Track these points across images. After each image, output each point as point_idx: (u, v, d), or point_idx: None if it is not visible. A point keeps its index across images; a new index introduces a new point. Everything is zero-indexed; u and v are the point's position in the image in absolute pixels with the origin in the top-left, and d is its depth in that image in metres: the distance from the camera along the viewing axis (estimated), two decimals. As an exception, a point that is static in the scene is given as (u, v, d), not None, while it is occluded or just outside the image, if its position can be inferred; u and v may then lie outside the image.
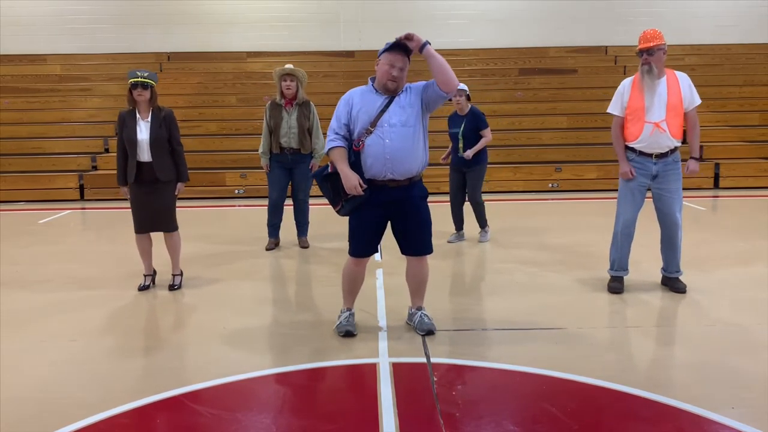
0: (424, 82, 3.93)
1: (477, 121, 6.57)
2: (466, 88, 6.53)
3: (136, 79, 4.90)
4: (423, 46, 3.76)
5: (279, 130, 6.35)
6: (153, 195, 5.05)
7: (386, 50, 3.85)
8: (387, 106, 3.86)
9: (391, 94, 3.89)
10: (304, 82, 6.43)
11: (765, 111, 12.61)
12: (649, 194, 4.94)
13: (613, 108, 4.91)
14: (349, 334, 4.10)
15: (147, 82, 4.92)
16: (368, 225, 3.98)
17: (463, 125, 6.52)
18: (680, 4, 14.97)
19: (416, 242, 4.05)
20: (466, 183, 6.73)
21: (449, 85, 3.79)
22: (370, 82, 3.98)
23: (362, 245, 4.03)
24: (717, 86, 13.23)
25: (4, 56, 14.44)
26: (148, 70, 5.15)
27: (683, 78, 4.82)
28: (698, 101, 4.83)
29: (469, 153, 6.50)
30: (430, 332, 4.10)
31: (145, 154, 4.98)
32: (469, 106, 6.63)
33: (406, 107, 3.87)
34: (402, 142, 3.83)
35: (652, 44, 4.67)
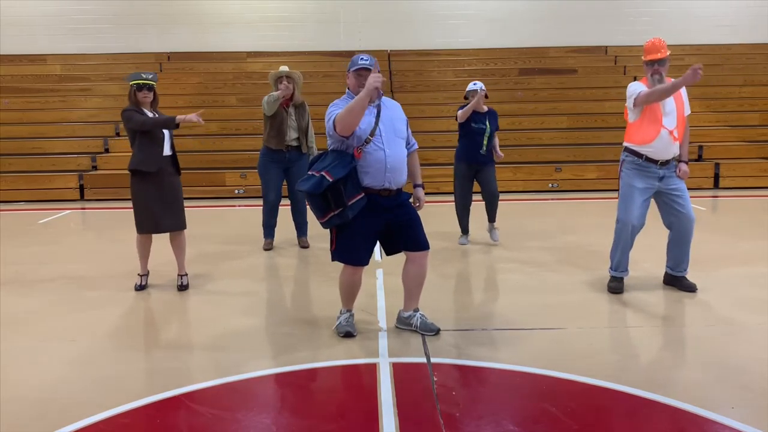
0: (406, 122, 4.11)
1: (497, 120, 6.65)
2: (479, 86, 6.51)
3: (142, 81, 4.94)
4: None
5: (284, 127, 6.39)
6: (169, 191, 5.07)
7: (354, 69, 3.89)
8: (378, 115, 3.91)
9: (373, 102, 3.92)
10: (300, 83, 6.47)
11: (765, 111, 12.61)
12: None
13: (642, 89, 4.69)
14: (348, 334, 4.10)
15: (152, 84, 4.99)
16: (367, 233, 3.97)
17: (488, 122, 6.49)
18: (680, 4, 14.97)
19: (419, 237, 4.08)
20: (480, 180, 6.64)
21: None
22: (347, 95, 3.97)
23: (362, 253, 4.00)
24: (717, 86, 13.23)
25: (4, 56, 14.44)
26: (148, 71, 5.18)
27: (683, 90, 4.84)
28: (689, 110, 4.91)
29: (501, 154, 6.62)
30: (438, 331, 4.12)
31: (168, 148, 5.05)
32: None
33: (397, 119, 4.00)
34: (399, 153, 3.95)
35: (664, 55, 4.70)
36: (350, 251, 3.98)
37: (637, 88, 4.76)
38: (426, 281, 4.26)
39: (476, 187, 6.71)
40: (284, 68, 6.44)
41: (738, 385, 3.35)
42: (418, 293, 4.23)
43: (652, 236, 5.53)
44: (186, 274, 5.35)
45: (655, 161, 4.76)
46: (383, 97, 4.02)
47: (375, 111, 3.92)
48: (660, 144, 4.72)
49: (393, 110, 4.03)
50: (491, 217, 6.75)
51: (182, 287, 5.25)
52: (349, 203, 3.83)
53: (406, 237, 4.06)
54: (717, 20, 15.02)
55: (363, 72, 3.87)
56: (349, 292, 4.17)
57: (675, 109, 4.75)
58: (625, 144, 4.91)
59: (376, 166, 3.86)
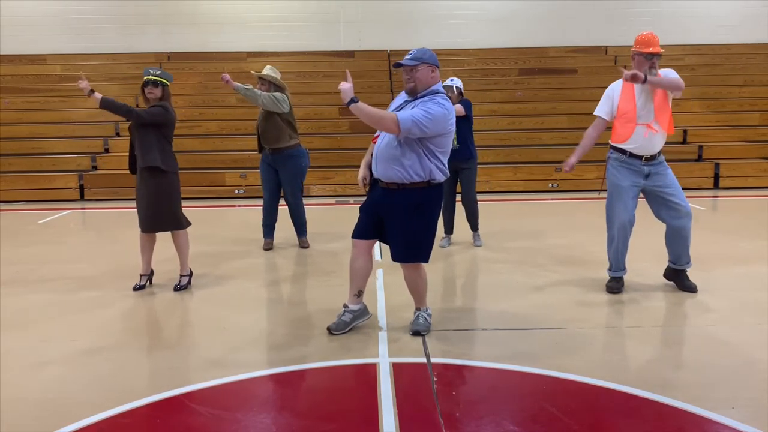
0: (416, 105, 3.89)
1: (470, 109, 6.42)
2: (455, 83, 6.46)
3: (147, 77, 4.97)
4: (349, 103, 3.67)
5: (258, 130, 6.44)
6: (145, 189, 5.03)
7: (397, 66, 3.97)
8: (400, 108, 3.92)
9: (413, 95, 3.94)
10: (281, 84, 6.38)
11: (765, 111, 12.61)
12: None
13: (601, 111, 4.92)
14: (329, 331, 4.14)
15: (158, 80, 4.97)
16: (364, 209, 4.11)
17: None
18: (680, 4, 14.97)
19: (394, 247, 4.02)
20: (461, 182, 6.54)
21: (391, 132, 3.76)
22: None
23: (356, 226, 4.13)
24: (717, 86, 13.23)
25: (4, 56, 14.44)
26: (160, 68, 5.19)
27: (665, 73, 4.77)
28: (673, 74, 4.68)
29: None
30: (416, 333, 4.09)
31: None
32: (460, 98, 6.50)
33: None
34: (387, 147, 3.87)
35: (661, 50, 4.70)
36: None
37: (601, 103, 4.99)
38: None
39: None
40: (266, 69, 6.40)
41: (738, 385, 3.35)
42: (416, 296, 4.21)
43: (651, 236, 5.53)
44: (187, 275, 5.33)
45: (639, 157, 4.78)
46: (441, 95, 3.92)
47: (400, 105, 3.95)
48: (638, 140, 4.74)
49: (419, 105, 3.82)
50: (473, 227, 6.72)
51: (177, 287, 5.23)
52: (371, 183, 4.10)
53: (392, 245, 4.04)
54: (717, 20, 15.02)
55: (401, 69, 3.89)
56: (349, 273, 4.18)
57: (650, 102, 4.70)
58: (609, 142, 4.95)
59: (374, 155, 3.99)
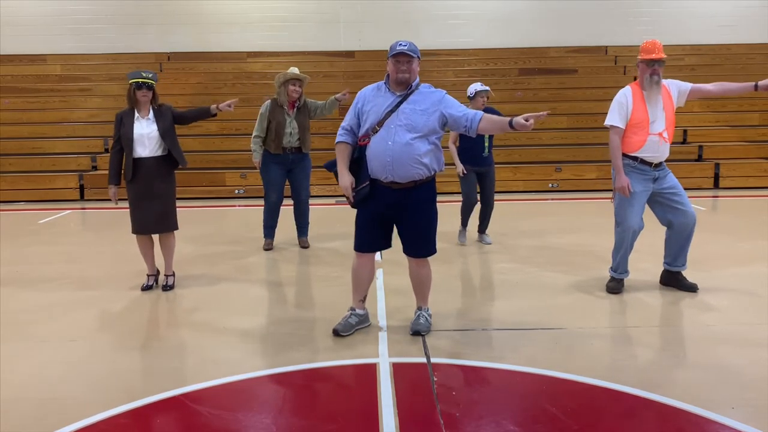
0: (454, 106, 3.89)
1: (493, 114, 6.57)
2: (488, 89, 6.46)
3: (141, 80, 4.93)
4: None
5: (282, 131, 6.37)
6: (154, 192, 5.02)
7: (391, 55, 3.85)
8: (397, 106, 3.85)
9: (403, 89, 3.88)
10: (305, 85, 6.51)
11: (765, 111, 12.60)
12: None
13: (616, 120, 4.80)
14: (335, 332, 4.10)
15: (151, 83, 4.96)
16: (368, 221, 4.01)
17: None
18: (680, 4, 14.96)
19: (414, 244, 4.03)
20: (481, 185, 6.61)
21: (484, 133, 3.95)
22: (384, 80, 3.99)
23: (360, 240, 4.06)
24: (717, 86, 13.20)
25: (4, 56, 14.43)
26: (149, 69, 5.17)
27: (671, 85, 4.84)
28: (688, 85, 4.85)
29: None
30: (417, 333, 4.09)
31: (145, 150, 4.97)
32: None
33: (418, 111, 3.83)
34: (405, 147, 3.80)
35: (664, 56, 4.71)
36: (355, 236, 4.08)
37: (614, 111, 4.81)
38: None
39: None
40: (294, 69, 6.44)
41: (738, 385, 3.35)
42: (420, 293, 4.22)
43: (651, 237, 5.53)
44: (172, 275, 5.33)
45: (649, 164, 4.81)
46: (428, 86, 3.94)
47: (394, 102, 3.86)
48: (651, 149, 4.77)
49: (421, 102, 3.85)
50: (485, 227, 6.76)
51: (167, 287, 5.23)
52: (356, 188, 3.95)
53: (409, 240, 4.05)
54: (717, 20, 15.00)
55: (401, 57, 3.81)
56: (354, 281, 4.18)
57: (662, 111, 4.75)
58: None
59: (380, 158, 3.85)
